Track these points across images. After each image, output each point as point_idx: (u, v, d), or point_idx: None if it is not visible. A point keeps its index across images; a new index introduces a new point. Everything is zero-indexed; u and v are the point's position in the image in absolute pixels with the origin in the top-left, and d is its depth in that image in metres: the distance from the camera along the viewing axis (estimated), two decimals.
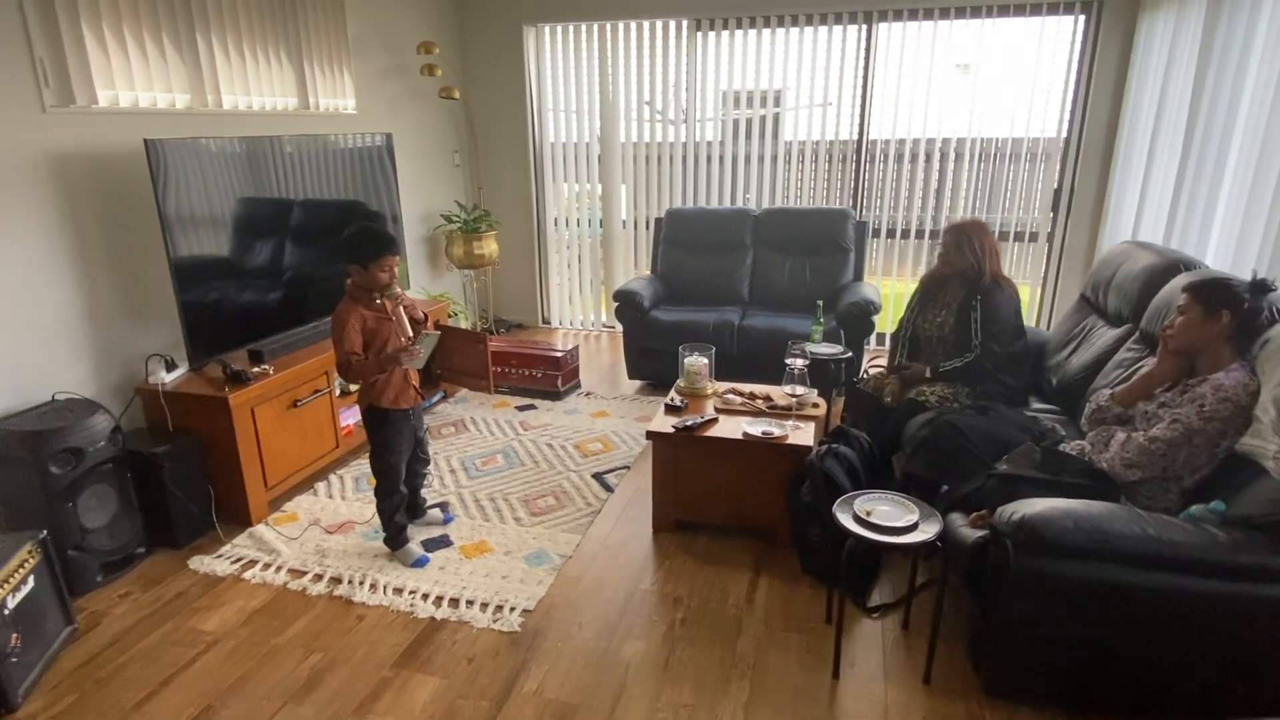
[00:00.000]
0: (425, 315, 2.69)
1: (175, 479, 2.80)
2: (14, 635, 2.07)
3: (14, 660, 2.06)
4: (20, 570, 2.15)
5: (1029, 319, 4.86)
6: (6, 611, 2.06)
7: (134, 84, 2.93)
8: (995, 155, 4.78)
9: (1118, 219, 4.30)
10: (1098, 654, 1.89)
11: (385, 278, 2.48)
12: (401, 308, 2.56)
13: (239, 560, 2.76)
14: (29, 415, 2.56)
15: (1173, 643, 1.83)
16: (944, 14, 4.55)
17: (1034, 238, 4.88)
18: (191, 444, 2.88)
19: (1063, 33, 4.46)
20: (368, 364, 2.48)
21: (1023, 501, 1.95)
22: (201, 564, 2.74)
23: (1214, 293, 2.09)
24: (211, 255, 3.02)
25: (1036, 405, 2.99)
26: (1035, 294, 4.94)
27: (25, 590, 2.15)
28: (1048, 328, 4.68)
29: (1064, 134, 4.61)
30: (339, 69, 4.07)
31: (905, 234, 5.05)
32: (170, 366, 2.98)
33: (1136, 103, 4.15)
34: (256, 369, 3.04)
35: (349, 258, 2.46)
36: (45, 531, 2.29)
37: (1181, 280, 2.54)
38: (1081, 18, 4.39)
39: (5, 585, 2.07)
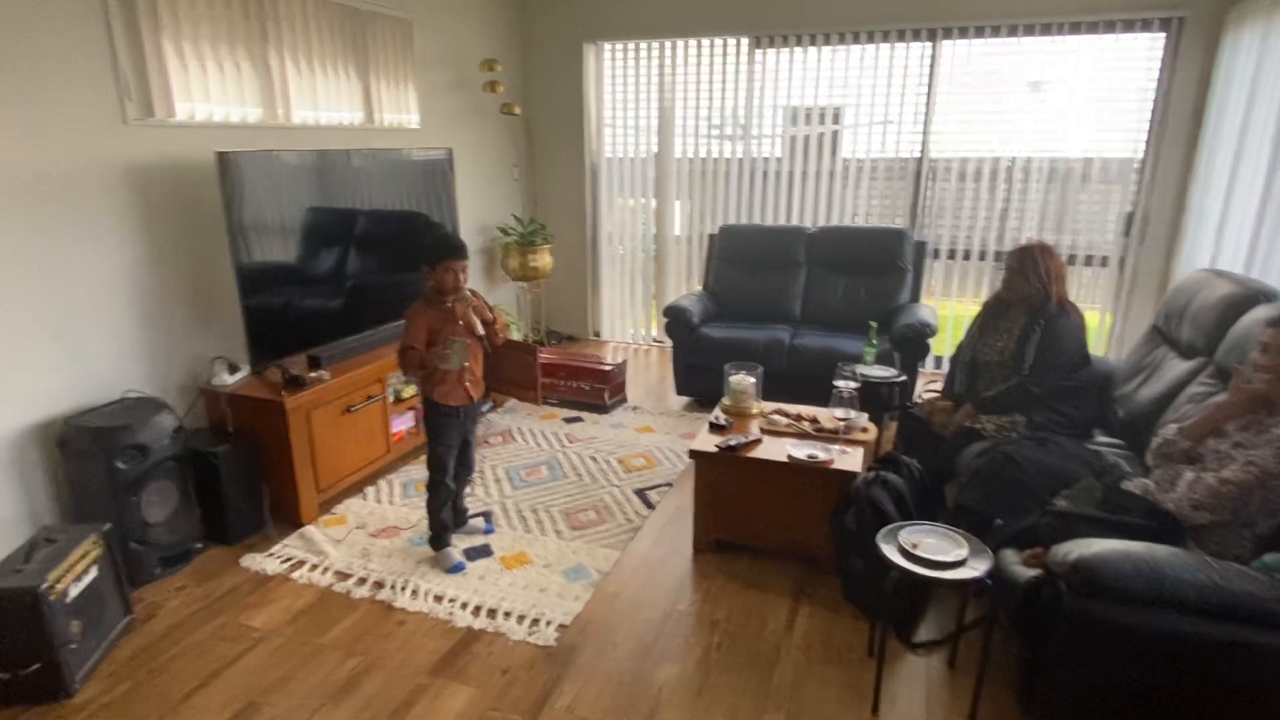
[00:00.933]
0: (494, 317, 2.73)
1: (232, 478, 2.90)
2: (75, 623, 2.17)
3: (73, 647, 2.15)
4: (84, 560, 2.25)
5: (1097, 347, 4.67)
6: (69, 600, 2.16)
7: (209, 98, 3.07)
8: (1065, 175, 4.61)
9: (1195, 245, 4.09)
10: (1155, 706, 1.78)
11: (450, 280, 2.59)
12: (471, 310, 2.64)
13: (288, 560, 2.84)
14: (100, 412, 2.69)
15: (1237, 699, 1.71)
16: (1013, 31, 4.42)
17: (1104, 262, 4.68)
18: (249, 445, 2.98)
19: (1140, 50, 4.29)
20: (415, 356, 2.59)
21: (1079, 541, 1.86)
22: (253, 562, 2.83)
23: None
24: (274, 263, 3.14)
25: (1101, 439, 2.86)
26: (1104, 321, 4.73)
27: (88, 580, 2.25)
28: (1117, 357, 4.47)
29: (1139, 155, 4.42)
30: (404, 85, 4.20)
31: (966, 255, 4.91)
32: (233, 369, 3.09)
33: (1218, 123, 3.95)
34: (313, 374, 3.13)
35: (421, 259, 2.62)
36: (109, 524, 2.40)
37: (1263, 312, 2.39)
38: (1161, 35, 4.22)
39: (69, 574, 2.17)
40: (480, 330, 2.67)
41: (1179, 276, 4.15)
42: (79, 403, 2.74)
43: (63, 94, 2.61)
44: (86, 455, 2.56)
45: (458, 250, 2.62)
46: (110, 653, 2.32)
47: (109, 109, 2.76)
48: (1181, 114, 4.21)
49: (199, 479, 2.84)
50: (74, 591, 2.18)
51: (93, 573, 2.28)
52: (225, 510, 2.90)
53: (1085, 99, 4.45)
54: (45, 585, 2.06)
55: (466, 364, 2.65)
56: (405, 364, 2.66)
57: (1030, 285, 2.89)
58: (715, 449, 2.78)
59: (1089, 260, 4.71)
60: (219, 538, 2.93)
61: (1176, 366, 2.79)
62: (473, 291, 2.69)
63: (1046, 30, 4.38)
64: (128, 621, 2.44)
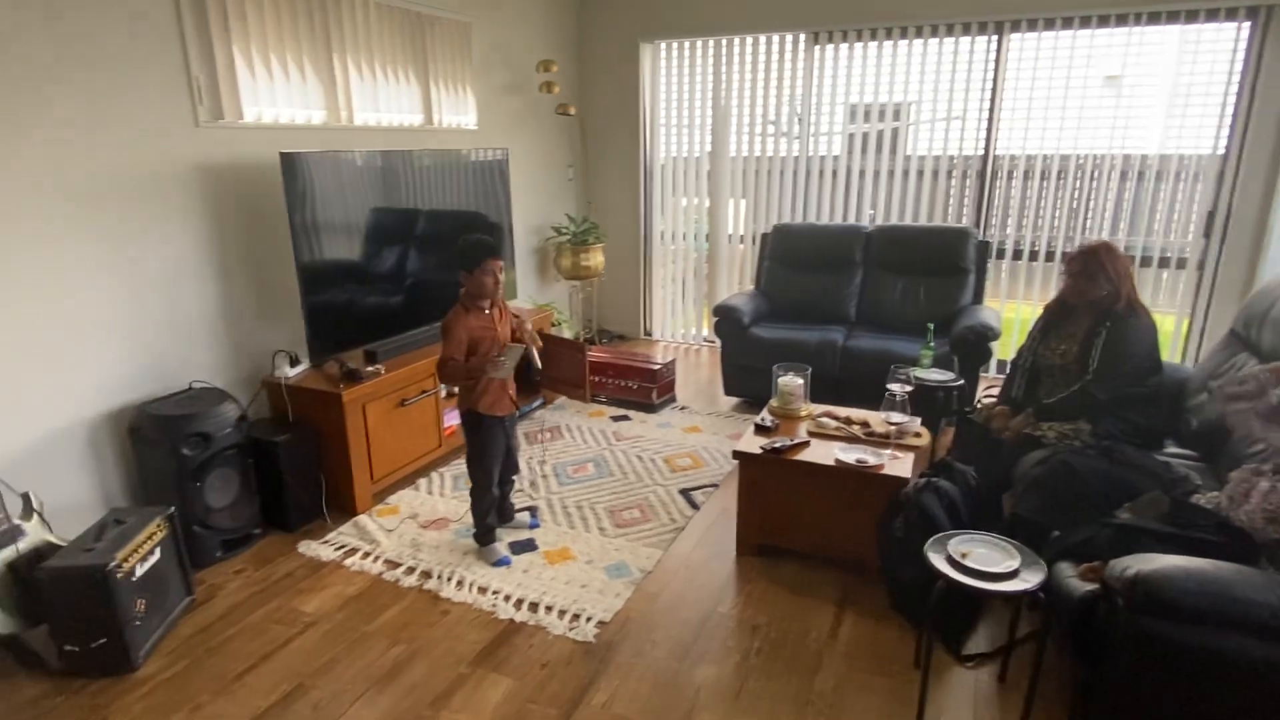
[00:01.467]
0: (527, 330, 2.76)
1: (291, 467, 3.00)
2: (140, 601, 2.28)
3: (138, 624, 2.26)
4: (150, 541, 2.37)
5: (1172, 353, 4.44)
6: (135, 578, 2.27)
7: (275, 101, 3.19)
8: (1140, 173, 4.39)
9: None
10: None
11: (490, 283, 2.59)
12: (515, 324, 2.66)
13: (342, 548, 2.93)
14: (168, 401, 2.82)
15: None
16: (1085, 22, 4.24)
17: (1181, 264, 4.45)
18: (308, 435, 3.08)
19: (1223, 41, 4.05)
20: (459, 368, 2.58)
21: (1140, 556, 1.76)
22: (309, 548, 2.92)
23: None
24: (334, 261, 3.24)
25: (1171, 449, 2.71)
26: (1181, 326, 4.49)
27: (153, 560, 2.37)
28: (1193, 363, 4.24)
29: (1221, 151, 4.18)
30: (462, 87, 4.28)
31: (1034, 255, 4.73)
32: (294, 362, 3.20)
33: None
34: (370, 368, 3.21)
35: (460, 264, 2.60)
36: (173, 507, 2.51)
37: None
38: (1246, 24, 3.98)
39: (136, 554, 2.28)
40: (540, 344, 2.69)
41: (1263, 280, 3.91)
42: (149, 391, 2.88)
43: (140, 99, 2.75)
44: (155, 442, 2.69)
45: (494, 249, 2.59)
46: (172, 630, 2.44)
47: (182, 112, 2.89)
48: (1269, 109, 3.96)
49: (260, 467, 2.95)
50: (140, 571, 2.30)
51: (157, 554, 2.40)
52: (284, 498, 3.00)
53: (1163, 93, 4.23)
54: (113, 564, 2.17)
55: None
56: (449, 375, 2.61)
57: (1099, 288, 2.76)
58: (760, 450, 2.74)
59: (1164, 262, 4.48)
60: (278, 524, 3.04)
61: None
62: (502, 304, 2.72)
63: (1122, 21, 4.18)
64: (189, 601, 2.55)
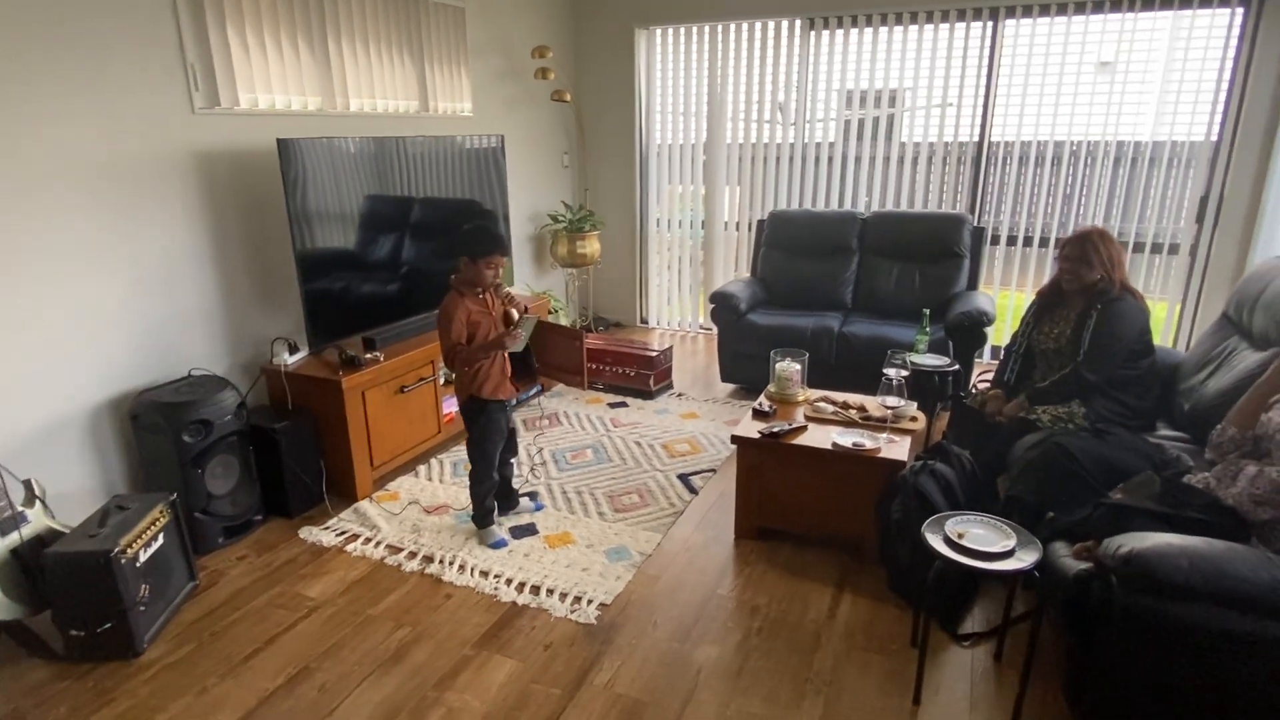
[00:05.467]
0: (526, 307, 2.77)
1: (291, 454, 3.01)
2: (144, 586, 2.29)
3: (142, 609, 2.28)
4: (153, 527, 2.38)
5: (1165, 338, 4.48)
6: (139, 564, 2.28)
7: (271, 87, 3.17)
8: (1134, 159, 4.42)
9: (1273, 232, 3.89)
10: (1210, 708, 1.72)
11: (490, 275, 2.61)
12: (508, 305, 2.68)
13: (343, 533, 2.94)
14: (168, 388, 2.83)
15: None
16: (1079, 9, 4.25)
17: (1174, 250, 4.48)
18: (307, 422, 3.09)
19: (1216, 27, 4.07)
20: (471, 351, 2.60)
21: (1133, 534, 1.80)
22: (310, 534, 2.94)
23: None
24: (333, 248, 3.24)
25: (1164, 432, 2.75)
26: (1174, 311, 4.53)
27: (156, 546, 2.38)
28: (1186, 348, 4.28)
29: (1214, 137, 4.20)
30: (457, 73, 4.26)
31: (1028, 241, 4.76)
32: (293, 349, 3.20)
33: None
34: (369, 355, 3.22)
35: (462, 250, 2.59)
36: (175, 494, 2.52)
37: None
38: (1239, 10, 3.99)
39: (139, 540, 2.30)
40: (502, 324, 2.69)
41: (1254, 265, 3.95)
42: (149, 379, 2.88)
43: (135, 85, 2.73)
44: (156, 429, 2.69)
45: (499, 245, 2.61)
46: (175, 616, 2.45)
47: (178, 99, 2.88)
48: (1261, 95, 3.98)
49: (260, 454, 2.96)
50: (143, 556, 2.31)
51: (160, 539, 2.41)
52: (285, 484, 3.01)
53: (1157, 79, 4.25)
54: (118, 549, 2.18)
55: (504, 356, 2.71)
56: (464, 359, 2.60)
57: (1094, 273, 2.79)
58: (758, 435, 2.77)
59: (1157, 248, 4.51)
60: (279, 510, 3.05)
61: (1248, 357, 2.66)
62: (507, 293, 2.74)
63: (1116, 7, 4.19)
64: (192, 587, 2.57)
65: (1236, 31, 4.02)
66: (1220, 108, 4.15)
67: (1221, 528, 1.90)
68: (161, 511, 2.43)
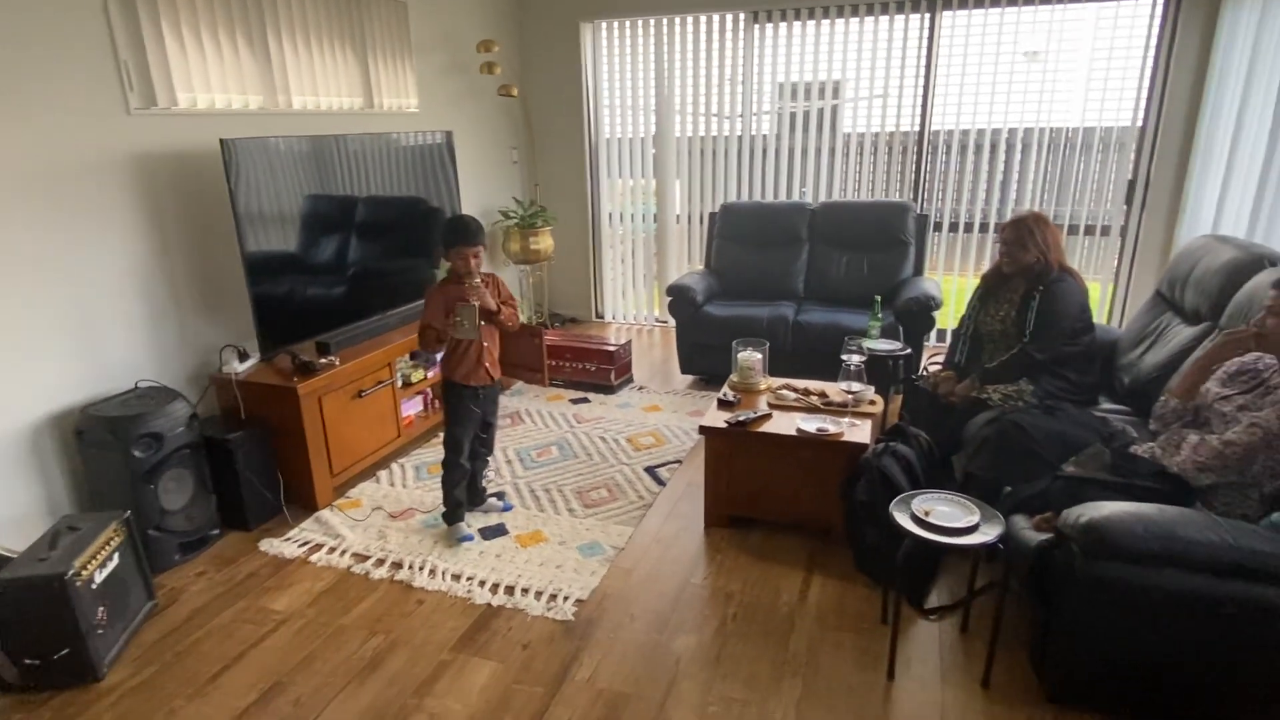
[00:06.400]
0: (498, 307, 2.74)
1: (247, 464, 2.92)
2: (101, 608, 2.20)
3: (100, 632, 2.18)
4: (107, 547, 2.28)
5: (1100, 315, 4.69)
6: (94, 585, 2.19)
7: (210, 86, 3.06)
8: (1065, 145, 4.61)
9: (1196, 212, 4.10)
10: (1168, 664, 1.82)
11: (462, 265, 2.64)
12: (484, 293, 2.66)
13: (306, 543, 2.87)
14: (114, 401, 2.71)
15: (1248, 655, 1.75)
16: (1011, 0, 4.40)
17: (1105, 231, 4.70)
18: (262, 431, 3.00)
19: (1139, 17, 4.27)
20: (431, 332, 2.66)
21: (1090, 504, 1.89)
22: (271, 546, 2.86)
23: None
24: (281, 250, 3.14)
25: (1107, 405, 2.89)
26: (1107, 290, 4.75)
27: (111, 566, 2.28)
28: (1120, 325, 4.50)
29: (1139, 123, 4.41)
30: (402, 68, 4.18)
31: (969, 228, 4.92)
32: (243, 357, 3.10)
33: (1220, 90, 3.94)
34: (323, 360, 3.14)
35: (439, 242, 2.67)
36: (129, 511, 2.42)
37: (1268, 276, 2.41)
38: (1160, 1, 4.20)
39: (94, 561, 2.20)
40: (493, 307, 2.68)
41: (1181, 243, 4.17)
42: (93, 393, 2.76)
43: (64, 85, 2.60)
44: (103, 444, 2.58)
45: (466, 237, 2.62)
46: (136, 637, 2.36)
47: (111, 99, 2.75)
48: (1182, 81, 4.20)
49: (214, 466, 2.86)
50: (99, 578, 2.21)
51: (116, 559, 2.31)
52: (241, 496, 2.92)
53: (1084, 68, 4.44)
54: (71, 572, 2.08)
55: (486, 344, 2.70)
56: (424, 341, 2.71)
57: (1030, 255, 2.90)
58: (725, 424, 2.80)
59: (1090, 230, 4.72)
60: (237, 523, 2.96)
61: (1181, 332, 2.81)
62: (489, 276, 2.72)
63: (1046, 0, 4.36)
64: (151, 607, 2.47)
65: (1158, 21, 4.22)
66: (1144, 94, 4.36)
67: (1169, 494, 2.01)
68: (116, 530, 2.33)
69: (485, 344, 2.73)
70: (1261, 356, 2.12)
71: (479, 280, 2.67)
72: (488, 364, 2.76)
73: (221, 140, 2.82)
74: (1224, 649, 1.76)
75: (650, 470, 3.38)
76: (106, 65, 2.72)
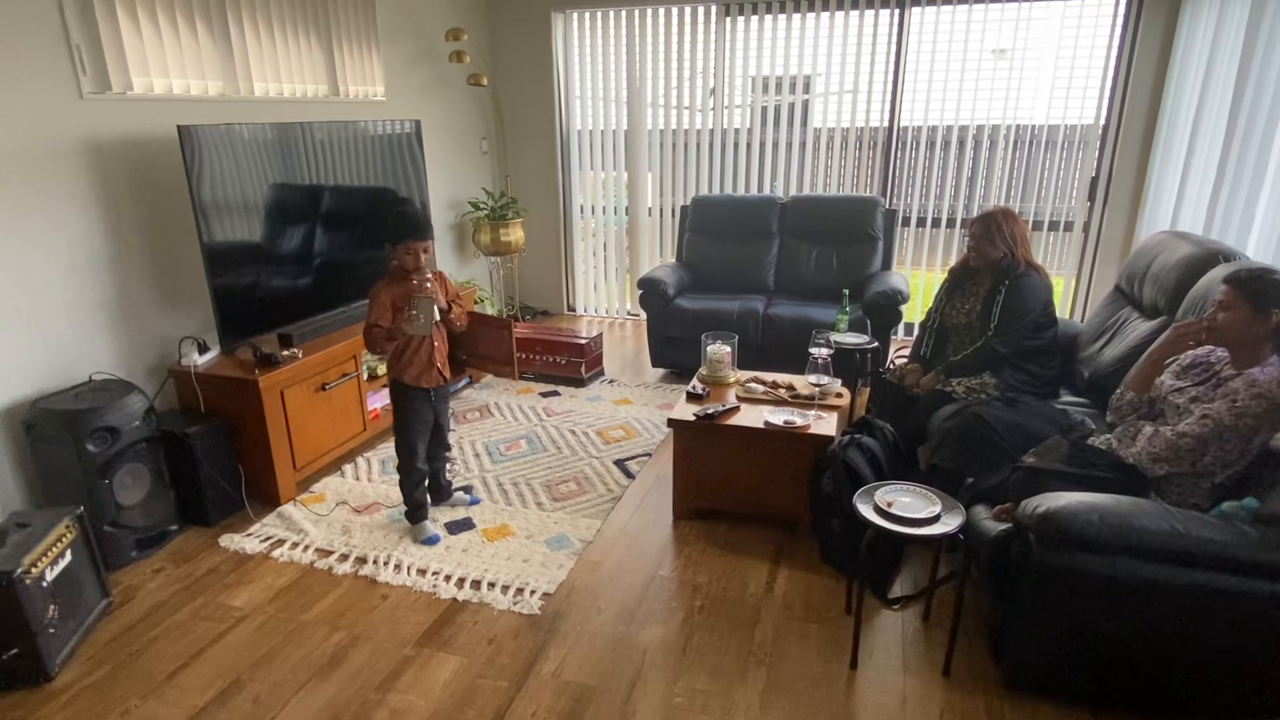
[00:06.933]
0: (450, 305, 2.70)
1: (207, 459, 2.86)
2: (52, 607, 2.14)
3: (51, 631, 2.13)
4: (58, 544, 2.22)
5: (1063, 310, 4.77)
6: (45, 583, 2.13)
7: (168, 71, 2.98)
8: (1030, 142, 4.68)
9: (1156, 208, 4.19)
10: (1122, 651, 1.86)
11: (410, 260, 2.54)
12: (434, 291, 2.57)
13: (268, 539, 2.82)
14: (67, 395, 2.63)
15: (1200, 641, 1.79)
16: None
17: (1069, 227, 4.78)
18: (222, 425, 2.94)
19: (1102, 17, 4.34)
20: (380, 332, 2.56)
21: (1047, 495, 1.92)
22: (231, 542, 2.81)
23: (1264, 290, 2.01)
24: (242, 240, 3.07)
25: (1067, 398, 2.94)
26: (1070, 285, 4.83)
27: (63, 564, 2.22)
28: (1082, 319, 4.58)
29: (1102, 120, 4.49)
30: (368, 56, 4.11)
31: (936, 223, 4.97)
32: (202, 349, 3.04)
33: (1179, 89, 4.02)
34: (286, 352, 3.09)
35: (384, 237, 2.57)
36: (82, 507, 2.36)
37: (1221, 271, 2.47)
38: (1123, 1, 4.27)
39: (44, 558, 2.14)
40: (444, 304, 2.63)
41: (1141, 239, 4.25)
42: (45, 386, 2.68)
43: (11, 68, 2.51)
44: (55, 439, 2.51)
45: (415, 230, 2.54)
46: (89, 636, 2.30)
47: (63, 83, 2.67)
48: (1144, 80, 4.28)
49: (172, 461, 2.80)
50: (50, 575, 2.16)
51: (68, 556, 2.25)
52: (201, 491, 2.86)
53: (1048, 65, 4.50)
54: (21, 570, 2.03)
55: (436, 344, 2.64)
56: (371, 342, 2.60)
57: (998, 250, 2.94)
58: (693, 417, 2.80)
59: (1054, 225, 4.80)
60: (196, 519, 2.90)
61: (1139, 327, 2.87)
62: (437, 273, 2.65)
63: None
64: (105, 604, 2.42)
65: (1120, 21, 4.29)
66: (1107, 92, 4.43)
67: (1125, 484, 2.05)
68: (68, 526, 2.27)
69: (435, 343, 2.66)
70: (1214, 350, 2.17)
71: (430, 276, 2.58)
72: (439, 363, 2.70)
73: (179, 127, 2.75)
74: (1176, 636, 1.80)
75: (620, 463, 3.38)
76: (58, 47, 2.64)
